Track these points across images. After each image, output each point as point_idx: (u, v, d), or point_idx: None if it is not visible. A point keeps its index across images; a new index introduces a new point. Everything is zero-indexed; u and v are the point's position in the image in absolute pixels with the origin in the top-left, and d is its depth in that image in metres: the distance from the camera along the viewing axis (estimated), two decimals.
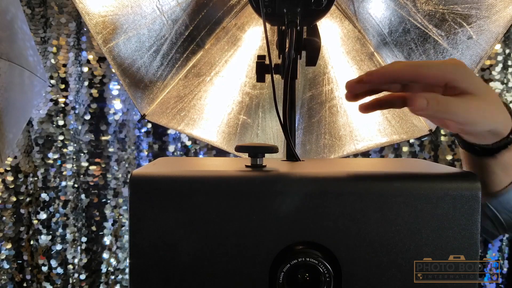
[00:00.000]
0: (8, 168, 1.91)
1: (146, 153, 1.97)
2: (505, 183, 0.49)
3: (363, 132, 1.15)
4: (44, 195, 1.94)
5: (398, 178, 0.44)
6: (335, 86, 1.10)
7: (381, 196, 0.42)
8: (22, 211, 1.93)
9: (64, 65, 1.92)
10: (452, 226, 0.42)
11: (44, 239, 1.94)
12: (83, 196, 1.95)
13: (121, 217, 1.97)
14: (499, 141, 0.46)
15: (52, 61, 1.91)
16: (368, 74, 0.44)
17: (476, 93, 0.43)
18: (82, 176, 1.95)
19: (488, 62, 1.94)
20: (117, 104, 1.95)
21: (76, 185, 1.95)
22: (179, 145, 1.97)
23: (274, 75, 0.65)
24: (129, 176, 0.43)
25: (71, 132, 1.94)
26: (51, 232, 1.95)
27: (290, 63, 0.62)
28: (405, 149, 1.97)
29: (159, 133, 1.96)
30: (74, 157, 1.95)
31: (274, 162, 0.53)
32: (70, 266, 1.96)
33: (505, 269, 1.99)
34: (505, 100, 0.53)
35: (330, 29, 1.06)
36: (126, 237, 1.95)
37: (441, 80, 0.43)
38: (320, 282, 0.42)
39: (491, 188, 0.50)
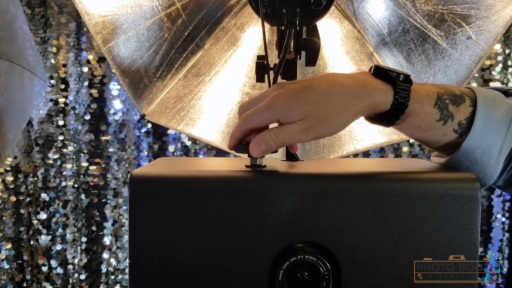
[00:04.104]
0: (8, 168, 1.91)
1: (146, 153, 1.97)
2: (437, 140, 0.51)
3: (362, 132, 1.15)
4: (44, 195, 1.94)
5: (398, 178, 0.44)
6: None
7: (381, 196, 0.42)
8: (22, 211, 1.93)
9: (64, 65, 1.92)
10: (452, 226, 0.42)
11: (44, 239, 1.94)
12: (83, 196, 1.95)
13: (121, 217, 1.97)
14: (385, 118, 0.48)
15: (52, 61, 1.91)
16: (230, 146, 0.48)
17: (300, 120, 0.44)
18: (82, 176, 1.95)
19: (488, 62, 1.94)
20: (117, 104, 1.95)
21: (76, 185, 1.95)
22: (179, 145, 1.97)
23: (273, 76, 0.65)
24: (129, 176, 0.43)
25: (71, 132, 1.94)
26: (51, 232, 1.95)
27: (283, 61, 0.62)
28: (405, 149, 1.98)
29: (159, 133, 1.96)
30: (74, 157, 1.95)
31: (274, 162, 0.53)
32: (70, 266, 1.96)
33: (505, 269, 1.99)
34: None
35: (330, 29, 1.06)
36: (126, 237, 1.95)
37: (271, 122, 0.46)
38: (319, 280, 0.42)
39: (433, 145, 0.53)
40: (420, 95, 0.48)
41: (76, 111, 1.94)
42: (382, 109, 0.47)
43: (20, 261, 1.95)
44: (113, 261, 1.97)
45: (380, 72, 0.48)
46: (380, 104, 0.46)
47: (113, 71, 1.65)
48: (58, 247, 1.95)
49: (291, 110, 0.44)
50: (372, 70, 0.49)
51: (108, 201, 1.96)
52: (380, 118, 0.49)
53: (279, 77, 0.66)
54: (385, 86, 0.47)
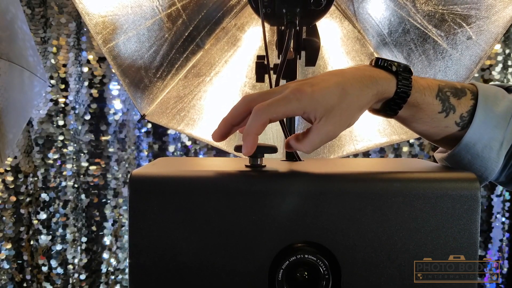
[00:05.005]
0: (8, 168, 1.91)
1: (146, 153, 1.97)
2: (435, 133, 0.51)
3: (362, 132, 1.15)
4: (44, 195, 1.94)
5: (398, 178, 0.44)
6: None
7: (381, 196, 0.42)
8: (22, 211, 1.93)
9: (64, 65, 1.92)
10: (452, 226, 0.42)
11: (44, 239, 1.94)
12: (83, 196, 1.95)
13: (121, 217, 1.97)
14: (388, 107, 0.49)
15: (52, 61, 1.91)
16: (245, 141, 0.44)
17: (324, 115, 0.44)
18: (82, 176, 1.95)
19: (488, 62, 1.94)
20: (117, 104, 1.95)
21: (76, 185, 1.95)
22: (179, 145, 1.97)
23: (273, 75, 0.65)
24: (129, 176, 0.43)
25: (71, 132, 1.94)
26: (51, 232, 1.95)
27: (284, 62, 0.62)
28: (405, 149, 1.98)
29: (159, 133, 1.96)
30: (74, 157, 1.95)
31: (274, 162, 0.53)
32: (70, 266, 1.96)
33: (505, 269, 1.99)
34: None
35: (330, 29, 1.06)
36: (126, 237, 1.95)
37: (296, 114, 0.45)
38: (319, 279, 0.42)
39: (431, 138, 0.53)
40: (421, 85, 0.49)
41: (76, 111, 1.94)
42: (387, 97, 0.48)
43: (20, 261, 1.95)
44: (113, 261, 1.97)
45: (381, 63, 0.49)
46: (385, 92, 0.47)
47: (113, 71, 1.65)
48: (58, 247, 1.95)
49: (318, 104, 0.44)
50: (373, 63, 0.50)
51: (108, 201, 1.96)
52: (383, 108, 0.50)
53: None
54: (389, 75, 0.48)
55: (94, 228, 1.97)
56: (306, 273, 0.42)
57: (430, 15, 0.97)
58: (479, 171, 0.50)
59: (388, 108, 0.49)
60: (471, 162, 0.50)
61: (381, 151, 1.97)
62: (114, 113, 1.96)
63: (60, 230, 1.95)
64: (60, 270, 1.95)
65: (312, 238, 0.42)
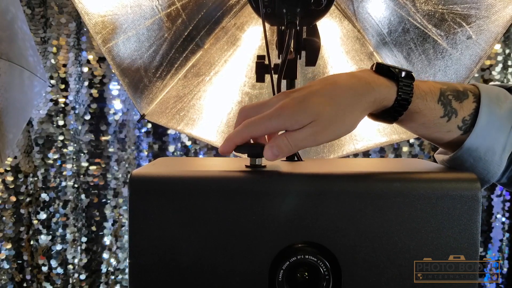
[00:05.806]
0: (8, 168, 1.91)
1: (146, 153, 1.97)
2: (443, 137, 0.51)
3: (362, 132, 1.15)
4: (44, 195, 1.94)
5: (398, 178, 0.44)
6: None
7: (381, 196, 0.42)
8: (22, 211, 1.93)
9: (64, 65, 1.92)
10: (452, 226, 0.42)
11: (44, 239, 1.94)
12: (83, 196, 1.95)
13: (121, 217, 1.97)
14: (387, 115, 0.49)
15: (52, 61, 1.91)
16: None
17: (314, 119, 0.44)
18: (82, 176, 1.95)
19: (488, 62, 1.94)
20: (117, 104, 1.95)
21: (76, 185, 1.95)
22: (179, 145, 1.97)
23: (273, 75, 0.65)
24: (129, 176, 0.43)
25: (71, 132, 1.94)
26: (51, 232, 1.95)
27: (285, 62, 0.62)
28: (405, 149, 1.97)
29: (159, 133, 1.96)
30: (74, 157, 1.95)
31: (274, 162, 0.53)
32: (70, 266, 1.96)
33: (505, 269, 1.99)
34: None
35: (330, 29, 1.06)
36: (126, 237, 1.95)
37: (278, 130, 0.45)
38: (319, 280, 0.42)
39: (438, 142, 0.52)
40: (423, 91, 0.48)
41: (76, 111, 1.94)
42: (387, 104, 0.47)
43: (20, 261, 1.95)
44: (113, 261, 1.97)
45: (382, 69, 0.48)
46: (384, 100, 0.47)
47: (113, 71, 1.65)
48: (58, 247, 1.95)
49: (299, 116, 0.44)
50: (374, 68, 0.49)
51: (108, 201, 1.96)
52: (383, 114, 0.49)
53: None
54: (388, 82, 0.47)
55: (94, 228, 1.97)
56: (306, 273, 0.42)
57: (430, 14, 0.97)
58: (481, 174, 0.50)
59: (388, 115, 0.48)
60: (473, 165, 0.49)
61: (381, 151, 1.97)
62: (114, 113, 1.96)
63: (60, 230, 1.95)
64: (60, 270, 1.95)
65: (312, 238, 0.42)
